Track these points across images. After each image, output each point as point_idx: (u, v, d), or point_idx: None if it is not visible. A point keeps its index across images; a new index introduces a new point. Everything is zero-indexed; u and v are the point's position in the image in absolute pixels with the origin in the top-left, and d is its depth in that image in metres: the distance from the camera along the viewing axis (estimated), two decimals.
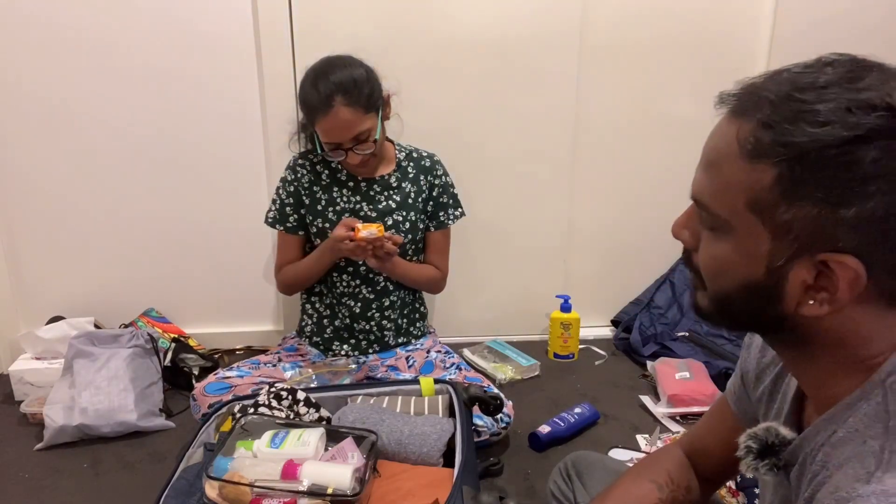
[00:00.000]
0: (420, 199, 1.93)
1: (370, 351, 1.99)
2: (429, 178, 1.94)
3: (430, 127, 2.14)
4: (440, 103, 2.19)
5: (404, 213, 1.90)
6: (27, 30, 2.01)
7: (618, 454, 1.73)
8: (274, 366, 1.90)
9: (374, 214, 1.89)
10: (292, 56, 2.09)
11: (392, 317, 1.98)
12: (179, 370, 2.08)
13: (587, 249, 2.45)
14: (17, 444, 1.80)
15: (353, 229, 1.69)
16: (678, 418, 1.90)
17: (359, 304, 1.94)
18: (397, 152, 1.95)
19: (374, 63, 1.78)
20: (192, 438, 1.43)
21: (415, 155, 1.96)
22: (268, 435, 1.33)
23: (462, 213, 2.01)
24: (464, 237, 2.18)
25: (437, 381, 1.62)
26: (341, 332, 1.98)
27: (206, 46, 2.08)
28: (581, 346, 2.36)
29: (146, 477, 1.67)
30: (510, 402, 1.79)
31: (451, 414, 1.53)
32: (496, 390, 1.78)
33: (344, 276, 1.92)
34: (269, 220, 1.94)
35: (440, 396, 1.59)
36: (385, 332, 1.98)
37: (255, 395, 1.52)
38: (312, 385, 1.78)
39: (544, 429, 1.79)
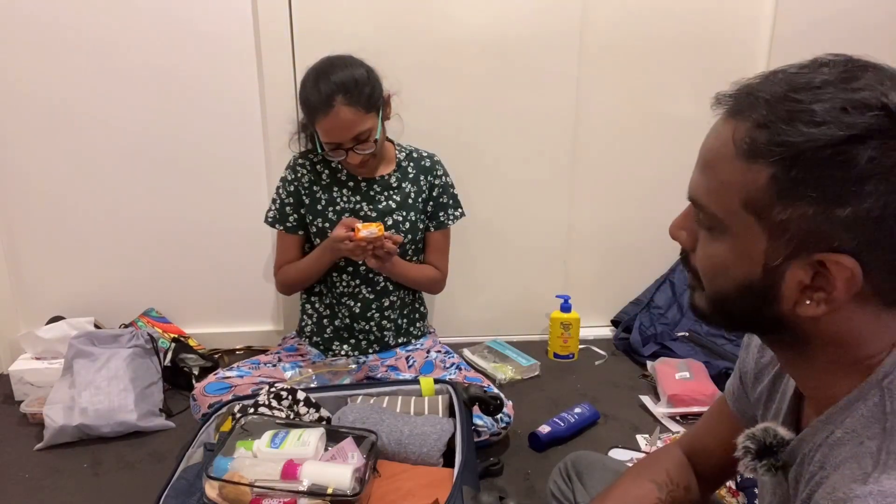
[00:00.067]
0: (420, 200, 1.93)
1: (370, 351, 2.00)
2: (429, 178, 1.94)
3: (430, 127, 2.14)
4: (440, 103, 2.19)
5: (404, 213, 1.90)
6: (27, 30, 2.01)
7: (618, 454, 1.73)
8: (274, 366, 1.90)
9: (374, 214, 1.89)
10: (292, 56, 2.09)
11: (392, 317, 1.98)
12: (179, 370, 2.08)
13: (587, 249, 2.45)
14: (17, 444, 1.80)
15: (352, 229, 1.69)
16: (678, 418, 1.90)
17: (359, 304, 1.94)
18: (397, 152, 1.95)
19: (374, 63, 1.78)
20: (192, 438, 1.43)
21: (415, 155, 1.96)
22: (268, 435, 1.33)
23: (462, 214, 2.01)
24: (464, 237, 2.18)
25: (437, 381, 1.62)
26: (341, 332, 1.98)
27: (206, 46, 2.09)
28: (581, 346, 2.36)
29: (146, 477, 1.67)
30: (510, 402, 1.79)
31: (451, 414, 1.53)
32: (496, 390, 1.78)
33: (344, 276, 1.92)
34: (269, 219, 1.94)
35: (440, 396, 1.59)
36: (385, 332, 1.98)
37: (255, 395, 1.53)
38: (312, 385, 1.78)
39: (544, 429, 1.79)
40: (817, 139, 0.55)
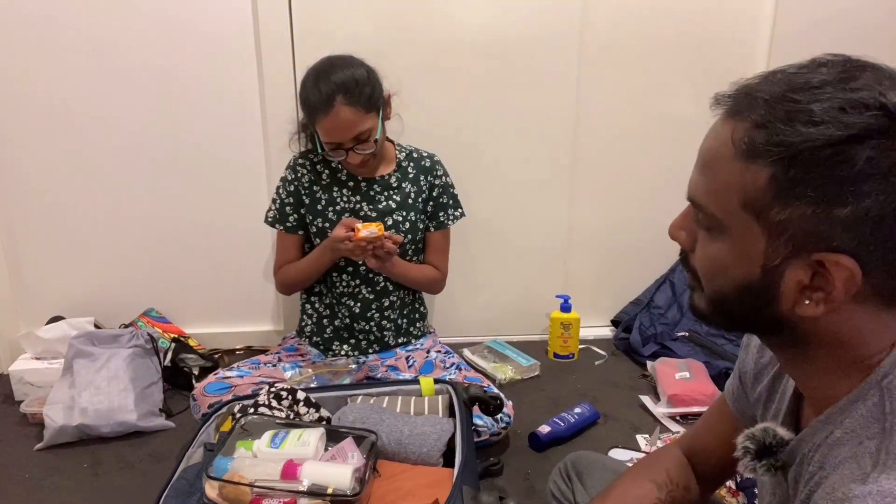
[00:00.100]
0: (420, 200, 1.93)
1: (370, 351, 2.00)
2: (429, 178, 1.94)
3: (430, 127, 2.14)
4: (440, 103, 2.19)
5: (404, 214, 1.90)
6: (27, 30, 2.01)
7: (618, 454, 1.73)
8: (274, 366, 1.90)
9: (374, 214, 1.89)
10: (292, 56, 2.09)
11: (392, 317, 1.98)
12: (179, 370, 2.08)
13: (587, 249, 2.45)
14: (17, 444, 1.80)
15: (352, 229, 1.69)
16: (678, 418, 1.90)
17: (358, 304, 1.94)
18: (397, 152, 1.95)
19: (374, 63, 1.78)
20: (192, 438, 1.43)
21: (415, 155, 1.96)
22: (268, 435, 1.33)
23: (462, 214, 2.01)
24: (464, 237, 2.18)
25: (437, 381, 1.62)
26: (341, 332, 1.98)
27: (206, 46, 2.09)
28: (581, 346, 2.36)
29: (146, 477, 1.67)
30: (510, 402, 1.79)
31: (451, 414, 1.53)
32: (496, 390, 1.78)
33: (344, 276, 1.93)
34: (269, 219, 1.94)
35: (440, 396, 1.59)
36: (385, 332, 1.98)
37: (255, 395, 1.52)
38: (312, 385, 1.78)
39: (544, 429, 1.79)
40: (815, 139, 0.56)
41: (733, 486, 1.51)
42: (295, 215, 1.92)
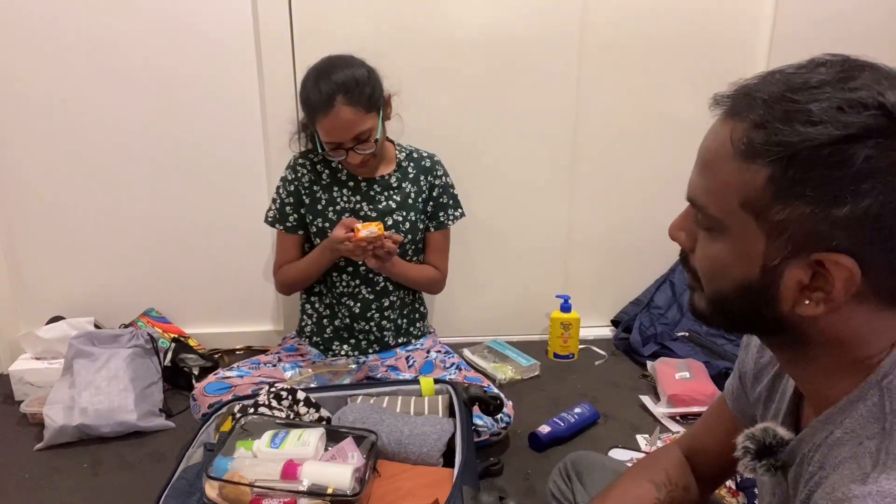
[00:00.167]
0: (420, 200, 1.93)
1: (370, 351, 2.00)
2: (429, 178, 1.94)
3: (430, 127, 2.14)
4: (440, 103, 2.19)
5: (404, 214, 1.90)
6: (27, 30, 2.01)
7: (618, 454, 1.73)
8: (274, 366, 1.90)
9: (374, 214, 1.89)
10: (292, 56, 2.10)
11: (392, 317, 1.98)
12: (179, 370, 2.08)
13: (587, 249, 2.45)
14: (17, 444, 1.80)
15: (352, 230, 1.69)
16: (678, 418, 1.90)
17: (358, 305, 1.94)
18: (398, 152, 1.95)
19: (375, 63, 1.78)
20: (192, 438, 1.43)
21: (415, 155, 1.96)
22: (268, 435, 1.33)
23: (462, 214, 2.01)
24: (464, 237, 2.18)
25: (437, 381, 1.62)
26: (341, 332, 1.98)
27: (206, 46, 2.09)
28: (581, 346, 2.36)
29: (146, 477, 1.67)
30: (510, 402, 1.79)
31: (451, 414, 1.53)
32: (496, 390, 1.78)
33: (344, 276, 1.93)
34: (269, 219, 1.94)
35: (440, 396, 1.59)
36: (385, 332, 1.98)
37: (255, 395, 1.52)
38: (312, 385, 1.78)
39: (544, 429, 1.79)
40: (814, 139, 0.56)
41: (733, 486, 1.51)
42: (295, 215, 1.92)
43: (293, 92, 2.05)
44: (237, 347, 2.36)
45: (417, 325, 2.07)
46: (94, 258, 2.24)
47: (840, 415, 0.64)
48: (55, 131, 2.10)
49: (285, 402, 1.48)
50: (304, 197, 1.90)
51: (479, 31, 2.15)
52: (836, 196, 0.56)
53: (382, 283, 1.94)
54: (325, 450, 1.34)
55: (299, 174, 1.90)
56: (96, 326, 2.16)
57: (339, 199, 1.90)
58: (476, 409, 1.60)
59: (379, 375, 1.93)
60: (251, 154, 2.20)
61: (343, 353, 1.99)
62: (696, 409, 1.89)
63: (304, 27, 2.08)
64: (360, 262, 1.87)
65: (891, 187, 0.55)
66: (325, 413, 1.50)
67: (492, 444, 1.76)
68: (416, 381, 1.64)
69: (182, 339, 2.23)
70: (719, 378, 2.00)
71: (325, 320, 1.99)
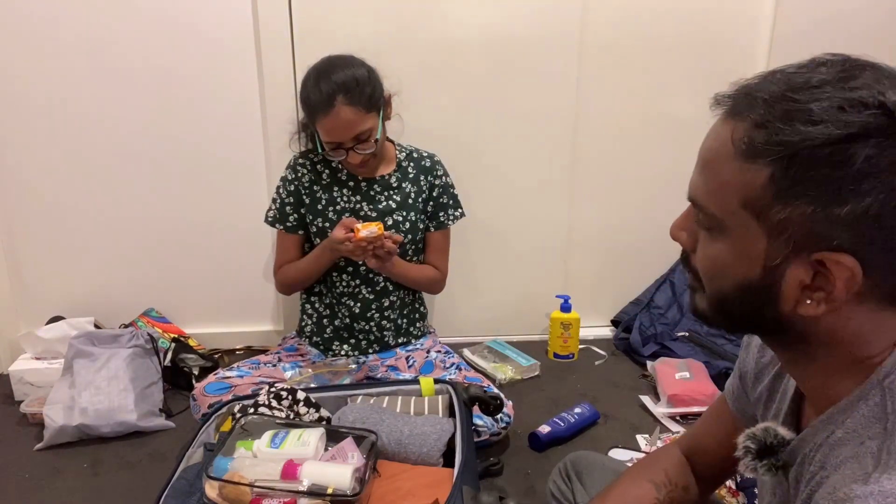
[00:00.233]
0: (420, 200, 1.93)
1: (370, 351, 2.00)
2: (429, 178, 1.94)
3: (430, 127, 2.14)
4: (440, 103, 2.19)
5: (404, 213, 1.90)
6: (27, 30, 2.01)
7: (618, 454, 1.73)
8: (274, 366, 1.90)
9: (374, 214, 1.89)
10: (292, 56, 2.09)
11: (392, 317, 1.98)
12: (179, 370, 2.08)
13: (587, 249, 2.45)
14: (17, 444, 1.80)
15: (352, 230, 1.69)
16: (678, 418, 1.90)
17: (358, 304, 1.94)
18: (398, 152, 1.95)
19: (375, 63, 1.78)
20: (192, 438, 1.43)
21: (415, 155, 1.96)
22: (268, 435, 1.33)
23: (462, 214, 2.01)
24: (464, 237, 2.18)
25: (437, 381, 1.62)
26: (341, 332, 1.98)
27: (206, 46, 2.09)
28: (581, 346, 2.36)
29: (146, 477, 1.67)
30: (510, 402, 1.79)
31: (451, 414, 1.53)
32: (496, 390, 1.78)
33: (344, 276, 1.93)
34: (269, 219, 1.94)
35: (440, 396, 1.59)
36: (385, 332, 1.98)
37: (255, 395, 1.52)
38: (312, 385, 1.78)
39: (544, 429, 1.79)
40: (815, 138, 0.55)
41: (733, 486, 1.51)
42: (295, 215, 1.92)
43: (293, 92, 2.05)
44: (237, 347, 2.36)
45: (417, 325, 2.07)
46: (94, 258, 2.24)
47: (841, 415, 0.64)
48: (55, 131, 2.10)
49: (285, 402, 1.48)
50: (305, 197, 1.90)
51: (479, 31, 2.15)
52: (837, 195, 0.56)
53: (382, 283, 1.94)
54: (325, 450, 1.34)
55: (299, 174, 1.90)
56: (96, 326, 2.16)
57: (339, 199, 1.90)
58: (476, 409, 1.60)
59: (379, 375, 1.93)
60: (251, 154, 2.20)
61: (343, 353, 1.99)
62: (696, 409, 1.89)
63: (304, 27, 2.08)
64: (360, 262, 1.87)
65: (891, 186, 0.55)
66: (325, 413, 1.50)
67: (492, 444, 1.76)
68: (416, 381, 1.64)
69: (182, 339, 2.23)
70: (719, 378, 2.00)
71: (325, 320, 1.99)
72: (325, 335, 2.00)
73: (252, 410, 1.44)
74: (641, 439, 1.82)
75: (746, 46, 2.27)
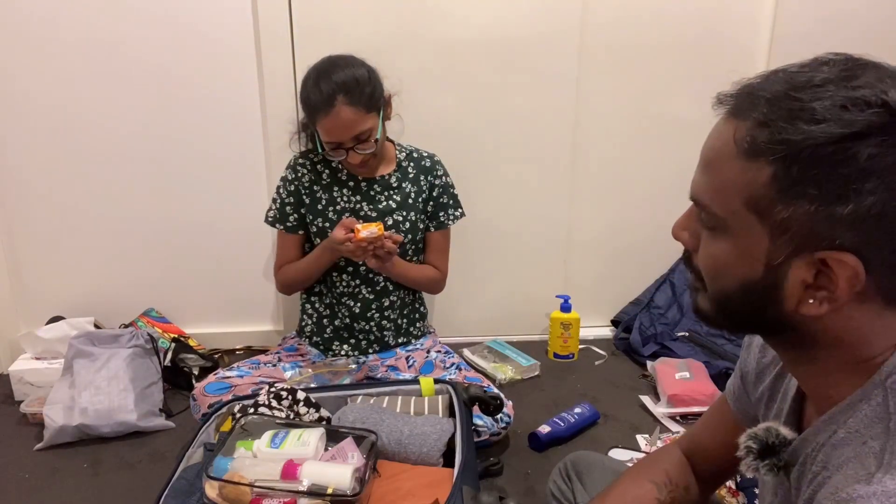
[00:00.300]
0: (420, 200, 1.93)
1: (370, 351, 1.99)
2: (429, 178, 1.94)
3: (431, 127, 2.14)
4: (440, 103, 2.19)
5: (404, 213, 1.90)
6: (27, 30, 2.01)
7: (618, 454, 1.73)
8: (274, 366, 1.90)
9: (374, 214, 1.89)
10: (292, 56, 2.09)
11: (392, 317, 1.98)
12: (179, 370, 2.08)
13: (587, 249, 2.45)
14: (17, 444, 1.80)
15: (352, 230, 1.69)
16: (678, 418, 1.90)
17: (358, 304, 1.94)
18: (398, 152, 1.95)
19: (375, 63, 1.78)
20: (192, 438, 1.43)
21: (415, 155, 1.96)
22: (268, 435, 1.33)
23: (462, 214, 2.00)
24: (464, 237, 2.18)
25: (437, 381, 1.62)
26: (341, 332, 1.98)
27: (206, 46, 2.08)
28: (581, 346, 2.36)
29: (146, 477, 1.67)
30: (510, 402, 1.79)
31: (451, 414, 1.53)
32: (496, 390, 1.78)
33: (344, 276, 1.92)
34: (269, 219, 1.94)
35: (440, 396, 1.59)
36: (385, 332, 1.98)
37: (255, 395, 1.52)
38: (312, 385, 1.78)
39: (544, 429, 1.79)
40: (817, 137, 0.55)
41: (733, 487, 1.51)
42: (295, 215, 1.92)
43: (293, 92, 2.05)
44: (237, 347, 2.36)
45: (417, 325, 2.06)
46: (94, 258, 2.24)
47: (843, 415, 0.64)
48: (55, 131, 2.10)
49: (285, 402, 1.48)
50: (305, 197, 1.90)
51: (479, 31, 2.15)
52: (840, 194, 0.56)
53: (382, 283, 1.94)
54: (325, 450, 1.33)
55: (299, 174, 1.90)
56: (96, 326, 2.16)
57: (339, 199, 1.89)
58: (476, 409, 1.60)
59: (379, 375, 1.93)
60: (251, 154, 2.20)
61: (343, 353, 1.99)
62: (696, 409, 1.89)
63: (304, 27, 2.08)
64: (360, 262, 1.86)
65: (894, 185, 0.55)
66: (325, 413, 1.50)
67: (492, 444, 1.76)
68: (416, 381, 1.63)
69: (182, 339, 2.23)
70: (719, 378, 2.00)
71: (325, 320, 1.99)
72: (325, 335, 2.00)
73: (252, 410, 1.43)
74: (641, 439, 1.82)
75: (746, 46, 2.27)
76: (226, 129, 2.17)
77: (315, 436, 1.33)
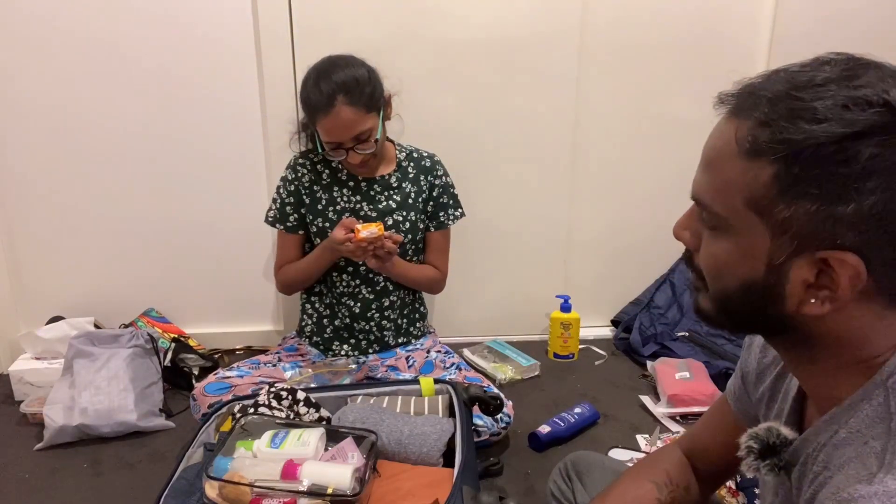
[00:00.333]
0: (420, 200, 1.93)
1: (370, 351, 1.99)
2: (429, 178, 1.94)
3: (431, 127, 2.14)
4: (440, 103, 2.19)
5: (404, 213, 1.90)
6: (27, 30, 2.01)
7: (618, 454, 1.73)
8: (274, 366, 1.90)
9: (374, 214, 1.89)
10: (292, 56, 2.09)
11: (392, 317, 1.98)
12: (179, 370, 2.08)
13: (587, 249, 2.45)
14: (17, 444, 1.80)
15: (352, 230, 1.69)
16: (678, 418, 1.90)
17: (359, 304, 1.94)
18: (398, 152, 1.95)
19: (375, 63, 1.78)
20: (192, 438, 1.43)
21: (415, 155, 1.96)
22: (268, 435, 1.33)
23: (462, 214, 2.00)
24: (464, 237, 2.18)
25: (437, 381, 1.62)
26: (341, 332, 1.98)
27: (206, 46, 2.08)
28: (581, 346, 2.36)
29: (146, 477, 1.67)
30: (510, 402, 1.79)
31: (451, 414, 1.53)
32: (496, 390, 1.78)
33: (344, 276, 1.92)
34: (270, 219, 1.94)
35: (440, 396, 1.59)
36: (385, 332, 1.98)
37: (255, 395, 1.52)
38: (312, 385, 1.78)
39: (544, 429, 1.79)
40: (818, 136, 0.55)
41: (733, 487, 1.51)
42: (295, 215, 1.92)
43: (293, 92, 2.05)
44: (237, 347, 2.36)
45: (417, 325, 2.06)
46: (94, 258, 2.24)
47: (845, 415, 0.64)
48: (55, 131, 2.10)
49: (285, 402, 1.47)
50: (305, 197, 1.90)
51: (479, 31, 2.14)
52: (841, 194, 0.56)
53: (382, 283, 1.94)
54: (325, 450, 1.33)
55: (299, 174, 1.90)
56: (96, 326, 2.16)
57: (339, 199, 1.89)
58: (476, 409, 1.60)
59: (379, 375, 1.93)
60: (251, 154, 2.20)
61: (343, 353, 1.99)
62: (696, 409, 1.88)
63: (304, 27, 2.08)
64: (360, 263, 1.86)
65: (895, 185, 0.55)
66: (325, 413, 1.50)
67: (492, 444, 1.76)
68: (416, 381, 1.63)
69: (182, 339, 2.23)
70: (719, 378, 2.00)
71: (325, 320, 1.99)
72: (325, 335, 2.00)
73: (252, 410, 1.43)
74: (641, 439, 1.82)
75: (746, 46, 2.27)
76: (226, 129, 2.17)
77: (315, 436, 1.32)
